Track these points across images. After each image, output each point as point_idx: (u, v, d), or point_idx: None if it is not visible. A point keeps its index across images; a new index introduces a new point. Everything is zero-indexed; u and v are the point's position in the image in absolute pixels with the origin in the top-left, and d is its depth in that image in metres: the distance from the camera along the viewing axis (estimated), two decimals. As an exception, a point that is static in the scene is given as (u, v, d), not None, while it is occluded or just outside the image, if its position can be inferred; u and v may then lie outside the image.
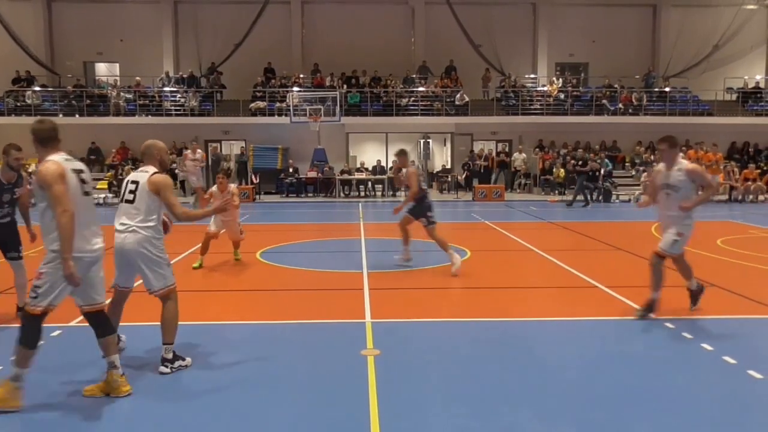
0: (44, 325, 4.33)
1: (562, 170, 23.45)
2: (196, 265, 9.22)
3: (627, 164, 25.75)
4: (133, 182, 5.06)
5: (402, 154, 9.47)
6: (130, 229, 4.94)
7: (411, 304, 7.31)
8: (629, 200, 21.04)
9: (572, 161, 21.95)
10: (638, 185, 22.02)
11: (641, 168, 23.44)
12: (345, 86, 26.37)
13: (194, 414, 4.26)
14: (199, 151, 18.94)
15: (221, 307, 7.26)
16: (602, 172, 21.70)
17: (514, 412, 4.26)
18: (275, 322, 6.58)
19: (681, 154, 7.51)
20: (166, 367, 4.98)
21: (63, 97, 26.22)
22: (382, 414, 4.16)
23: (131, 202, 5.00)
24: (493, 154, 25.99)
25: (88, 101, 25.83)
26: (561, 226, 14.46)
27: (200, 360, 5.22)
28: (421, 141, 25.80)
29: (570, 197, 20.02)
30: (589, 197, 19.73)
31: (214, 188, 9.40)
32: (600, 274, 8.62)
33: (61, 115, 25.27)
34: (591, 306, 7.18)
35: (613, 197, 21.34)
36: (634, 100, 26.72)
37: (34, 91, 25.95)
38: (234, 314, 6.90)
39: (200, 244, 9.46)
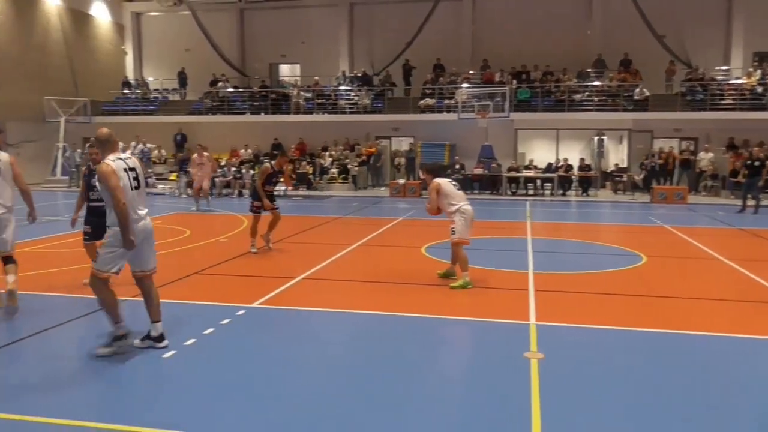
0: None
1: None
2: (441, 271, 8.41)
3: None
4: (131, 169, 5.12)
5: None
6: (147, 212, 5.30)
7: (578, 308, 7.03)
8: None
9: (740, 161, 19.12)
10: None
11: None
12: (515, 81, 25.89)
13: (353, 402, 4.47)
14: (205, 153, 17.40)
15: (390, 297, 7.42)
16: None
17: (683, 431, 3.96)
18: (432, 317, 6.57)
19: None
20: (148, 341, 5.29)
21: (250, 97, 28.61)
22: (544, 419, 4.07)
23: (139, 188, 5.20)
24: (675, 152, 24.04)
25: (272, 100, 27.92)
26: (753, 234, 13.05)
27: (362, 350, 5.44)
28: (595, 138, 24.60)
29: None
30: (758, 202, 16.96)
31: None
32: (800, 290, 7.67)
33: (248, 114, 27.65)
34: (788, 324, 6.41)
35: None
36: None
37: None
38: (393, 305, 6.95)
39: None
